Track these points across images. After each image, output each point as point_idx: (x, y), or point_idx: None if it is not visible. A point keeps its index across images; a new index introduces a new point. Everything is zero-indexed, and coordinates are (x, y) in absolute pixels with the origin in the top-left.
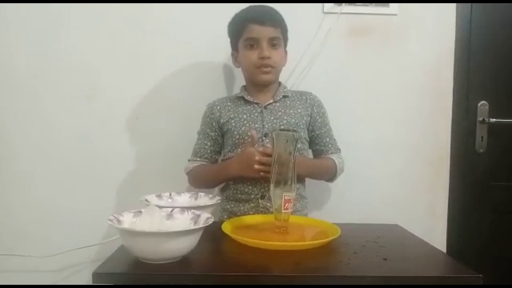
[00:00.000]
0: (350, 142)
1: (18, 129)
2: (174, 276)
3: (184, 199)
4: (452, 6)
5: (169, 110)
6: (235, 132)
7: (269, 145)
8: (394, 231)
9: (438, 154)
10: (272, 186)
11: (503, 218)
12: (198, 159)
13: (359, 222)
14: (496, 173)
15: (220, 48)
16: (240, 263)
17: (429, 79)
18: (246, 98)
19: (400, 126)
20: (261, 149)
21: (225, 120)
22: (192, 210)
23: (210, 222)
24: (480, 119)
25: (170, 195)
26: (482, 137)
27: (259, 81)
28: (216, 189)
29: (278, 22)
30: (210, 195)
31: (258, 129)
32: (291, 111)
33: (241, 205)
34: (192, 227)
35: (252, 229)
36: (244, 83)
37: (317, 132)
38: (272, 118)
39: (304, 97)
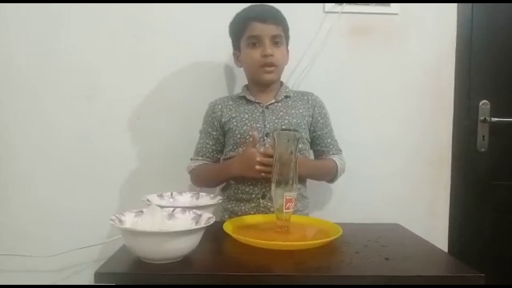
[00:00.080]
0: (351, 141)
1: (19, 129)
2: (175, 276)
3: (186, 198)
4: (453, 6)
5: (169, 110)
6: (237, 132)
7: (270, 145)
8: (395, 231)
9: (439, 154)
10: (273, 186)
11: (505, 217)
12: (200, 158)
13: (360, 222)
14: (498, 173)
15: (220, 48)
16: (241, 263)
17: (430, 78)
18: (248, 97)
19: (401, 126)
20: (262, 149)
21: (226, 119)
22: (194, 210)
23: (212, 222)
24: (482, 118)
25: (172, 194)
26: (483, 136)
27: (262, 80)
28: (218, 189)
29: (279, 20)
30: (212, 195)
31: (259, 129)
32: (293, 111)
33: (242, 204)
34: (194, 227)
35: (254, 228)
36: (246, 83)
37: (319, 133)
38: (273, 118)
39: (306, 98)
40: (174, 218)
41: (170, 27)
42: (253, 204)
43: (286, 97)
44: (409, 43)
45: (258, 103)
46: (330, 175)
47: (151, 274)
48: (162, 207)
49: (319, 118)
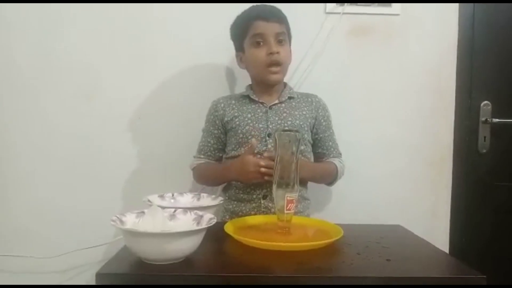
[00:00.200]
0: (352, 141)
1: (19, 129)
2: (177, 277)
3: (187, 199)
4: (455, 6)
5: (170, 110)
6: (239, 131)
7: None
8: (396, 232)
9: (440, 154)
10: (274, 187)
11: (506, 218)
12: (202, 156)
13: (361, 222)
14: (499, 173)
15: (221, 48)
16: (243, 264)
17: (431, 78)
18: (251, 97)
19: (402, 126)
20: (266, 153)
21: (229, 119)
22: (195, 211)
23: (213, 223)
24: (483, 119)
25: (173, 195)
26: (484, 137)
27: (268, 81)
28: (219, 190)
29: (282, 19)
30: (213, 196)
31: (262, 129)
32: (296, 113)
33: (242, 205)
34: (195, 227)
35: (255, 229)
36: (247, 83)
37: (321, 135)
38: (276, 118)
39: (310, 99)
40: (175, 219)
41: (170, 27)
42: (254, 205)
43: (290, 98)
44: (410, 43)
45: (262, 103)
46: (330, 178)
47: (152, 275)
48: (163, 207)
49: (322, 121)
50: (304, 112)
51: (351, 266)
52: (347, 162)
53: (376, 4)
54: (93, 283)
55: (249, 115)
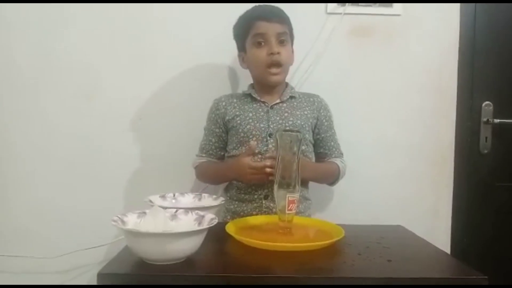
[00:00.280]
0: (353, 141)
1: (19, 129)
2: (178, 277)
3: (188, 199)
4: (456, 6)
5: (171, 110)
6: (240, 130)
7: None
8: (397, 232)
9: (442, 154)
10: (275, 187)
11: (507, 218)
12: (204, 155)
13: (362, 222)
14: (500, 174)
15: (222, 48)
16: (244, 264)
17: (432, 79)
18: (253, 95)
19: (403, 126)
20: (268, 155)
21: (230, 117)
22: (196, 211)
23: (215, 223)
24: (484, 119)
25: (174, 195)
26: (486, 137)
27: (268, 82)
28: (220, 190)
29: (284, 19)
30: (214, 196)
31: (263, 128)
32: (298, 113)
33: (244, 205)
34: (196, 228)
35: (256, 230)
36: (249, 83)
37: (322, 136)
38: (278, 118)
39: (311, 99)
40: (177, 219)
41: (170, 27)
42: (255, 205)
43: (291, 97)
44: (411, 43)
45: (263, 102)
46: (332, 178)
47: (153, 275)
48: (164, 208)
49: (323, 121)
50: (305, 112)
51: (352, 267)
52: (348, 162)
53: (377, 4)
54: (94, 283)
55: (250, 114)
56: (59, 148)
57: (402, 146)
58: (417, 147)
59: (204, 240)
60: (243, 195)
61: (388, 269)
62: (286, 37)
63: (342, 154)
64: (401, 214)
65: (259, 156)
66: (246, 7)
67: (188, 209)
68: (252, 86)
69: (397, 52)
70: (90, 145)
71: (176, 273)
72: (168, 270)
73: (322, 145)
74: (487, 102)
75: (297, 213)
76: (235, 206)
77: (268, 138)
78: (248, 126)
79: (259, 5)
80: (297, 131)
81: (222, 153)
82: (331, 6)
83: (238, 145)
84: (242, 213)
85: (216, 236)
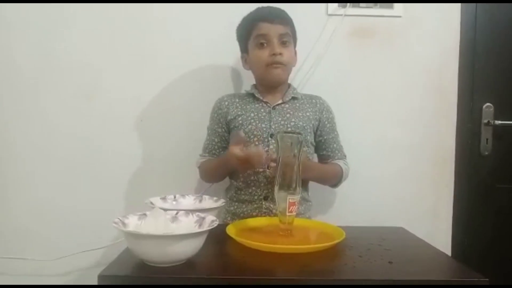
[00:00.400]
0: (353, 142)
1: (19, 129)
2: (178, 279)
3: (189, 201)
4: (457, 7)
5: (172, 111)
6: (242, 130)
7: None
8: (398, 234)
9: (442, 156)
10: (276, 189)
11: (508, 220)
12: (207, 155)
13: (363, 224)
14: (501, 176)
15: (224, 48)
16: (244, 266)
17: (433, 80)
18: (256, 95)
19: (403, 127)
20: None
21: (232, 117)
22: (197, 213)
23: (215, 225)
24: (485, 121)
25: (175, 197)
26: (487, 139)
27: (270, 78)
28: (221, 192)
29: (286, 21)
30: (215, 198)
31: (264, 129)
32: (300, 114)
33: (244, 206)
34: (197, 230)
35: (257, 232)
36: (252, 84)
37: (325, 137)
38: (279, 119)
39: (314, 101)
40: (178, 221)
41: (171, 27)
42: (255, 206)
43: (294, 98)
44: (412, 44)
45: (265, 102)
46: (336, 179)
47: (154, 277)
48: (165, 209)
49: (326, 123)
50: (307, 114)
51: (353, 269)
52: (349, 163)
53: (378, 6)
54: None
55: (252, 114)
56: (59, 149)
57: (403, 147)
58: (418, 148)
59: (204, 242)
60: (242, 196)
61: (389, 271)
62: (288, 38)
63: (345, 156)
64: (401, 215)
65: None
66: (247, 7)
67: (188, 211)
68: (254, 86)
69: (398, 53)
70: (91, 146)
71: (176, 275)
72: (169, 272)
73: (325, 147)
74: (487, 104)
75: (297, 215)
76: (235, 207)
77: (270, 138)
78: (250, 126)
79: (262, 7)
80: (298, 133)
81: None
82: (332, 7)
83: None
84: (242, 214)
85: (217, 238)
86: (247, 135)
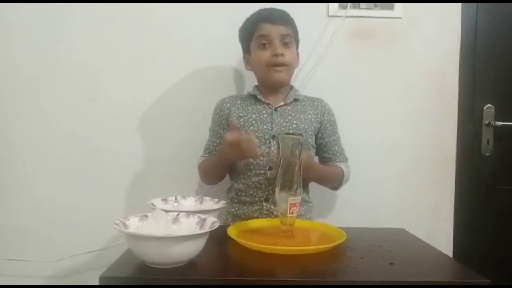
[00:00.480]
0: (354, 144)
1: (19, 130)
2: (180, 280)
3: (190, 203)
4: (457, 8)
5: (174, 112)
6: (243, 131)
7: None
8: (400, 235)
9: (444, 157)
10: (277, 190)
11: (509, 221)
12: (207, 155)
13: (364, 225)
14: (502, 177)
15: (225, 49)
16: (246, 268)
17: (434, 81)
18: (258, 96)
19: (405, 128)
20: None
21: (234, 118)
22: (198, 214)
23: (216, 227)
24: (486, 122)
25: (176, 199)
26: (488, 140)
27: (272, 80)
28: (222, 193)
29: (288, 22)
30: (216, 199)
31: (266, 130)
32: (302, 116)
33: (245, 207)
34: (198, 231)
35: (258, 233)
36: (254, 84)
37: (326, 140)
38: (281, 121)
39: (315, 104)
40: (179, 223)
41: (172, 28)
42: (256, 207)
43: (296, 100)
44: (413, 46)
45: (267, 104)
46: (336, 181)
47: (155, 278)
48: (166, 211)
49: (327, 125)
50: (309, 116)
51: (355, 270)
52: (350, 165)
53: (378, 7)
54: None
55: (254, 116)
56: (59, 149)
57: (404, 148)
58: (419, 149)
59: (205, 243)
60: (243, 198)
61: (391, 272)
62: (290, 39)
63: (346, 159)
64: (402, 216)
65: (262, 158)
66: (248, 7)
67: (189, 212)
68: (257, 87)
69: (399, 54)
70: (91, 146)
71: (178, 276)
72: (170, 273)
73: (326, 150)
74: (488, 105)
75: (297, 216)
76: (236, 208)
77: (271, 140)
78: (251, 128)
79: (264, 8)
80: (299, 134)
81: None
82: (333, 9)
83: None
84: (243, 216)
85: (218, 239)
86: None
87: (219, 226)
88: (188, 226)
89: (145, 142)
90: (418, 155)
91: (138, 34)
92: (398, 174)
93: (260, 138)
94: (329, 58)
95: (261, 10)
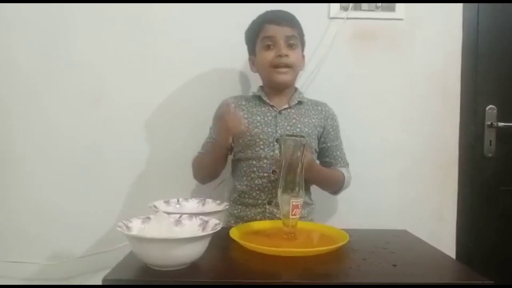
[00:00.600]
0: (357, 145)
1: (22, 132)
2: (182, 283)
3: (192, 205)
4: (459, 9)
5: (177, 114)
6: (247, 133)
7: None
8: (402, 237)
9: (446, 158)
10: (279, 192)
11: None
12: (203, 151)
13: (366, 227)
14: (505, 178)
15: (229, 51)
16: (248, 270)
17: (436, 82)
18: (263, 98)
19: (407, 130)
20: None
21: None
22: (200, 216)
23: (219, 229)
24: (488, 123)
25: (178, 201)
26: (490, 141)
27: (276, 81)
28: (224, 195)
29: (294, 24)
30: (218, 201)
31: (270, 133)
32: (306, 120)
33: (247, 210)
34: (201, 233)
35: (260, 235)
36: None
37: (329, 145)
38: (285, 124)
39: (319, 108)
40: (181, 225)
41: (176, 29)
42: (259, 210)
43: (300, 102)
44: (414, 47)
45: (272, 106)
46: (337, 185)
47: (158, 280)
48: (168, 213)
49: (330, 130)
50: (313, 120)
51: (358, 272)
52: (352, 166)
53: (380, 9)
54: None
55: (258, 118)
56: (61, 151)
57: (406, 149)
58: (421, 151)
59: (208, 245)
60: (246, 200)
61: (394, 274)
62: (295, 41)
63: (347, 164)
64: (405, 217)
65: (265, 161)
66: (253, 7)
67: (192, 215)
68: (262, 88)
69: (400, 56)
70: (93, 148)
71: (180, 278)
72: (172, 275)
73: (328, 154)
74: (491, 106)
75: (300, 218)
76: (239, 210)
77: (275, 143)
78: (255, 130)
79: (271, 10)
80: (301, 136)
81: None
82: (334, 10)
83: (245, 148)
84: (245, 218)
85: (220, 241)
86: (252, 138)
87: (222, 228)
88: (191, 228)
89: (148, 144)
90: (420, 157)
91: (142, 36)
92: (400, 176)
93: (264, 140)
94: (330, 60)
95: (267, 12)
